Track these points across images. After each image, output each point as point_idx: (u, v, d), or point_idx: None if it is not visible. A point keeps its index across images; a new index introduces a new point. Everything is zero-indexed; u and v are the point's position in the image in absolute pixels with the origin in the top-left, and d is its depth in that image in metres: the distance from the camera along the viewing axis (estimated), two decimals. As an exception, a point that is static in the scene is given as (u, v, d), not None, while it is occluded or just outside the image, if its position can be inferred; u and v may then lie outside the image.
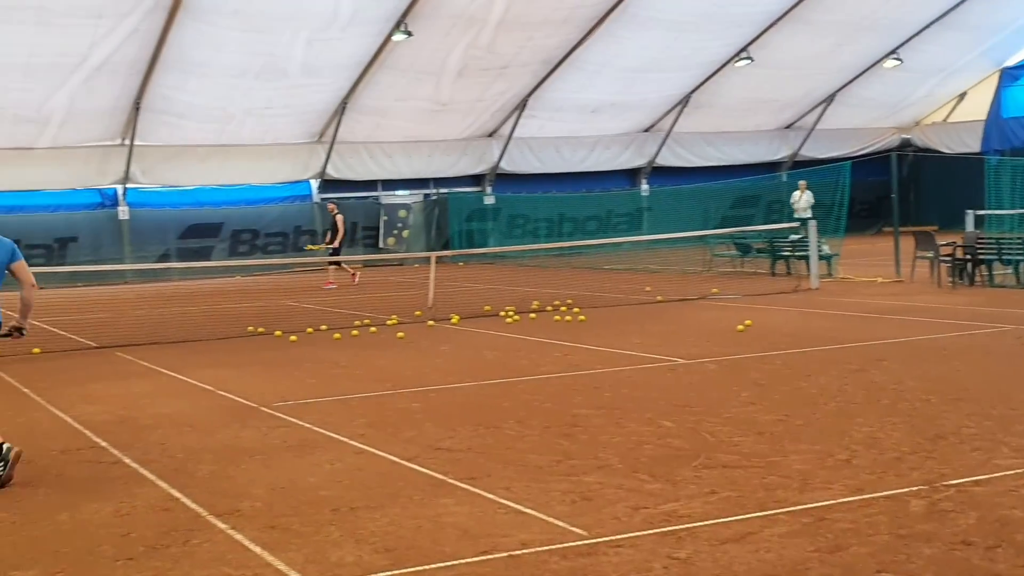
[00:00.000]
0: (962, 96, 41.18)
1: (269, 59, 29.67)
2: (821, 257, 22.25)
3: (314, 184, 35.89)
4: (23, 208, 32.06)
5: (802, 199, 29.44)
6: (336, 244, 26.73)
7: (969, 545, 5.72)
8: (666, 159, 40.01)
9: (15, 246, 8.46)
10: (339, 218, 27.00)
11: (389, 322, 17.65)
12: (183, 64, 29.11)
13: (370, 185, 36.80)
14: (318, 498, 7.19)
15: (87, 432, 9.82)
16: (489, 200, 37.67)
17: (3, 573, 6.00)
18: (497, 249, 33.12)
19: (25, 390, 12.41)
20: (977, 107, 39.69)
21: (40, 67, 27.68)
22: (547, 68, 33.64)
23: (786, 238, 24.74)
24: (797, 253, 23.44)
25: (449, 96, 33.88)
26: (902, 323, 15.11)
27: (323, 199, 35.89)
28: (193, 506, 7.16)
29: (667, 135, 39.11)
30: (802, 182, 29.81)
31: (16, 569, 6.04)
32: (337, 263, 27.09)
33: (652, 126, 39.29)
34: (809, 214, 27.73)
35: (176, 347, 15.98)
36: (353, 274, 27.10)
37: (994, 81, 38.96)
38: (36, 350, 15.72)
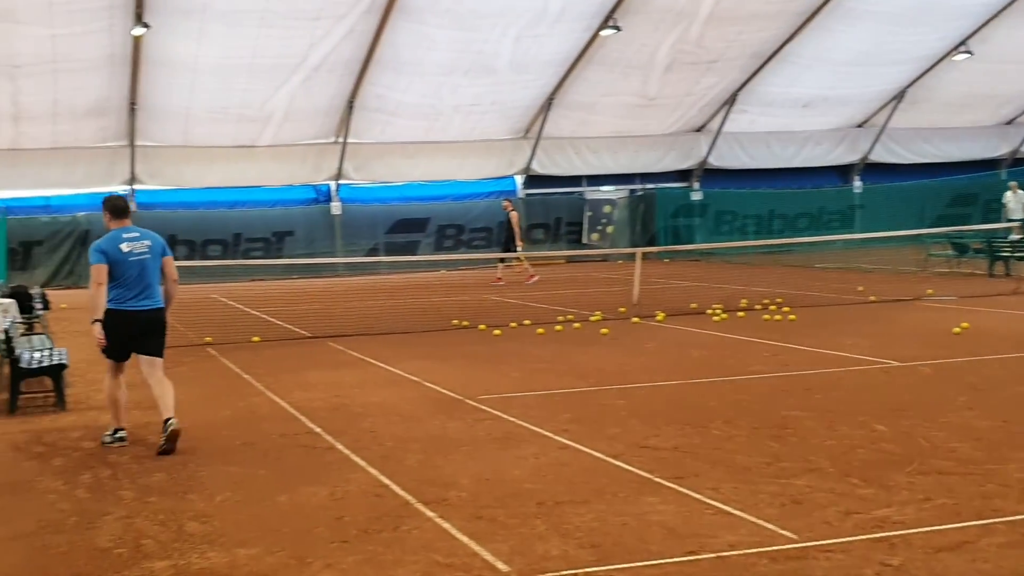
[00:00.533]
0: None
1: (478, 57, 30.12)
2: (1044, 259, 21.19)
3: (519, 180, 36.24)
4: (244, 203, 33.50)
5: (1013, 200, 28.07)
6: (518, 242, 26.90)
7: None
8: (879, 155, 38.77)
9: (165, 242, 9.51)
10: (514, 216, 27.17)
11: (593, 318, 17.68)
12: (396, 63, 29.85)
13: (575, 181, 36.90)
14: (523, 491, 7.28)
15: (302, 418, 10.21)
16: (696, 196, 37.27)
17: (228, 549, 6.30)
18: (704, 246, 32.73)
19: (246, 376, 12.98)
20: None
21: (262, 68, 28.84)
22: (757, 62, 33.06)
23: (1005, 238, 23.66)
24: (1017, 254, 22.39)
25: (657, 91, 33.68)
26: None
27: (527, 195, 36.24)
28: (402, 493, 7.35)
29: (881, 131, 37.90)
30: (1013, 183, 28.43)
31: (240, 546, 6.34)
32: (503, 259, 27.12)
33: (865, 121, 38.13)
34: (1020, 215, 26.45)
35: (384, 338, 16.40)
36: (531, 275, 27.01)
37: None
38: (255, 339, 16.40)
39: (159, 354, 9.32)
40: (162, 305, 9.32)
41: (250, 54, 28.16)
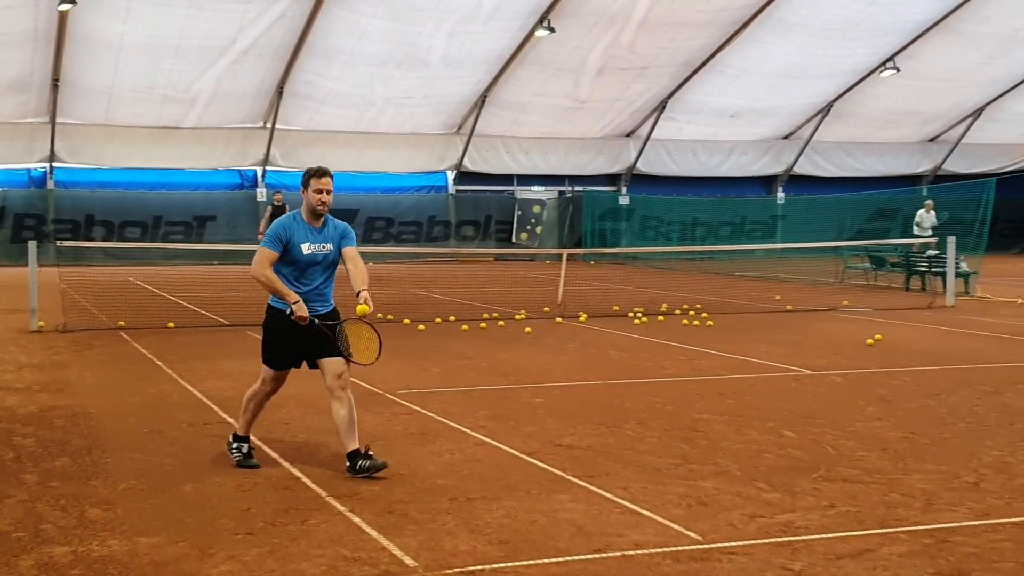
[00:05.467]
0: (1120, 114, 39.57)
1: (411, 49, 30.06)
2: (958, 274, 21.62)
3: (450, 175, 36.24)
4: (165, 185, 33.10)
5: (926, 219, 28.57)
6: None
7: (1100, 580, 5.51)
8: (804, 168, 39.36)
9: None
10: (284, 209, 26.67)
11: (518, 317, 17.72)
12: (327, 51, 29.68)
13: (506, 180, 37.02)
14: (436, 486, 7.26)
15: (214, 407, 10.09)
16: (624, 200, 37.56)
17: (129, 537, 6.20)
18: (629, 249, 32.98)
19: (158, 363, 12.80)
20: None
21: (190, 49, 28.52)
22: (688, 70, 33.39)
23: (923, 253, 24.12)
24: (933, 269, 22.84)
25: (588, 94, 33.88)
26: (1042, 347, 14.59)
27: (458, 191, 36.25)
28: (313, 486, 7.29)
29: (806, 143, 38.49)
30: (929, 201, 28.99)
31: (142, 535, 6.24)
32: None
33: (791, 133, 38.69)
34: (930, 234, 26.96)
35: (306, 329, 16.25)
36: None
37: None
38: (171, 324, 16.19)
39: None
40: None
41: (177, 35, 27.83)
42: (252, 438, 8.03)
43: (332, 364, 7.65)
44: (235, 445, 7.88)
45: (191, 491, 7.19)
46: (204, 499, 7.01)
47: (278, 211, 26.60)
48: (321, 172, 7.60)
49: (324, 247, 7.63)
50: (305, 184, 7.61)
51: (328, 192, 7.55)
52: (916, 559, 5.80)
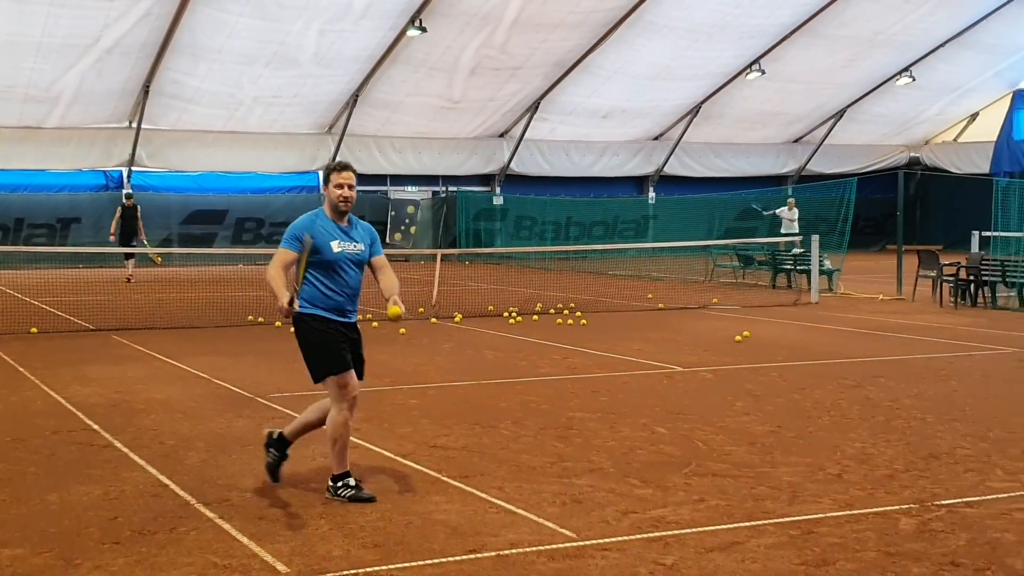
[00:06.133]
0: (973, 117, 41.15)
1: (281, 48, 29.70)
2: (822, 272, 22.23)
3: (322, 176, 35.89)
4: (27, 187, 32.11)
5: (788, 215, 29.40)
6: (142, 236, 25.83)
7: (958, 566, 5.70)
8: (674, 168, 40.01)
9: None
10: (138, 208, 26.23)
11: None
12: (194, 49, 29.14)
13: (379, 180, 36.82)
14: (309, 491, 7.18)
15: (79, 414, 9.81)
16: (498, 200, 37.69)
17: (-11, 550, 5.99)
18: (503, 249, 33.13)
19: (20, 369, 12.41)
20: (988, 128, 39.68)
21: (51, 47, 27.72)
22: (560, 71, 33.65)
23: (788, 251, 24.73)
24: (799, 267, 23.43)
25: (461, 94, 33.91)
26: (901, 341, 15.08)
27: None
28: (182, 493, 7.14)
29: (676, 144, 39.13)
30: (791, 199, 29.80)
31: (4, 546, 6.03)
32: (129, 255, 25.55)
33: (661, 135, 39.30)
34: (794, 229, 27.75)
35: (173, 333, 15.97)
36: (130, 275, 25.68)
37: (1007, 103, 38.93)
38: (33, 330, 15.72)
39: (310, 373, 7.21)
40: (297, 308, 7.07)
41: (39, 32, 27.03)
42: (119, 446, 7.81)
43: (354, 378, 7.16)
44: (339, 485, 6.95)
45: (56, 500, 6.98)
46: (69, 508, 6.81)
47: (128, 212, 25.98)
48: (342, 166, 7.20)
49: (356, 246, 7.14)
50: (326, 180, 7.19)
51: (350, 187, 7.09)
52: (783, 550, 5.93)
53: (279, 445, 7.30)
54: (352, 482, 6.96)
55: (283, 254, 7.01)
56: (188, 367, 12.60)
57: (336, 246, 7.03)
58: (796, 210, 29.29)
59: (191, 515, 6.67)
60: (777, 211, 29.62)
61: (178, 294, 22.21)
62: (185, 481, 7.43)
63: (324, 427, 7.07)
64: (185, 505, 6.89)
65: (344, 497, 6.89)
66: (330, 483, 7.02)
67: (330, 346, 6.99)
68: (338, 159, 34.77)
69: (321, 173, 35.48)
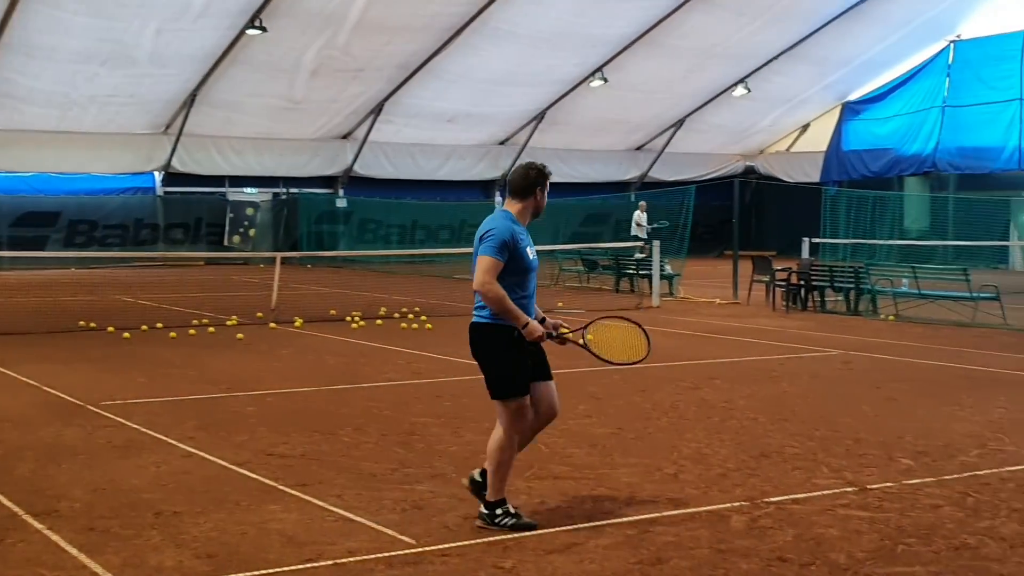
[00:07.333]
0: (805, 127, 42.54)
1: (117, 46, 28.87)
2: (663, 276, 22.70)
3: (158, 177, 35.04)
4: None
5: (643, 218, 30.06)
6: None
7: (785, 561, 5.88)
8: (518, 172, 40.26)
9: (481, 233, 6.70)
10: None
11: (229, 323, 17.29)
12: (26, 47, 28.12)
13: (217, 181, 36.10)
14: (141, 501, 7.01)
15: (-101, 424, 9.38)
16: (341, 203, 37.34)
17: None
18: (346, 253, 32.85)
19: None
20: (819, 139, 41.05)
21: None
22: (404, 74, 33.54)
23: (631, 256, 25.18)
24: (641, 271, 23.88)
25: (303, 95, 33.51)
26: (736, 344, 15.50)
27: (167, 192, 35.11)
28: (9, 505, 6.90)
29: (522, 149, 39.39)
30: (643, 203, 30.43)
31: None
32: None
33: (507, 139, 39.54)
34: (643, 234, 28.43)
35: (1, 340, 15.38)
36: None
37: (836, 114, 40.37)
38: None
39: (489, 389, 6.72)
40: (476, 318, 6.71)
41: None
42: None
43: (551, 388, 6.75)
44: (498, 512, 6.42)
45: None
46: None
47: None
48: (549, 172, 6.92)
49: (535, 251, 6.84)
50: (540, 185, 6.80)
51: None
52: (619, 550, 6.04)
53: (497, 506, 6.51)
54: (512, 509, 6.47)
55: (496, 265, 6.46)
56: (15, 374, 12.18)
57: (531, 252, 6.75)
58: (646, 214, 29.95)
59: (19, 526, 6.46)
60: (635, 214, 30.39)
61: (6, 299, 21.38)
62: (12, 492, 7.17)
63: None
64: (12, 516, 6.67)
65: (503, 526, 6.38)
66: (483, 510, 6.50)
67: (522, 360, 6.60)
68: (172, 160, 34.01)
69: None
